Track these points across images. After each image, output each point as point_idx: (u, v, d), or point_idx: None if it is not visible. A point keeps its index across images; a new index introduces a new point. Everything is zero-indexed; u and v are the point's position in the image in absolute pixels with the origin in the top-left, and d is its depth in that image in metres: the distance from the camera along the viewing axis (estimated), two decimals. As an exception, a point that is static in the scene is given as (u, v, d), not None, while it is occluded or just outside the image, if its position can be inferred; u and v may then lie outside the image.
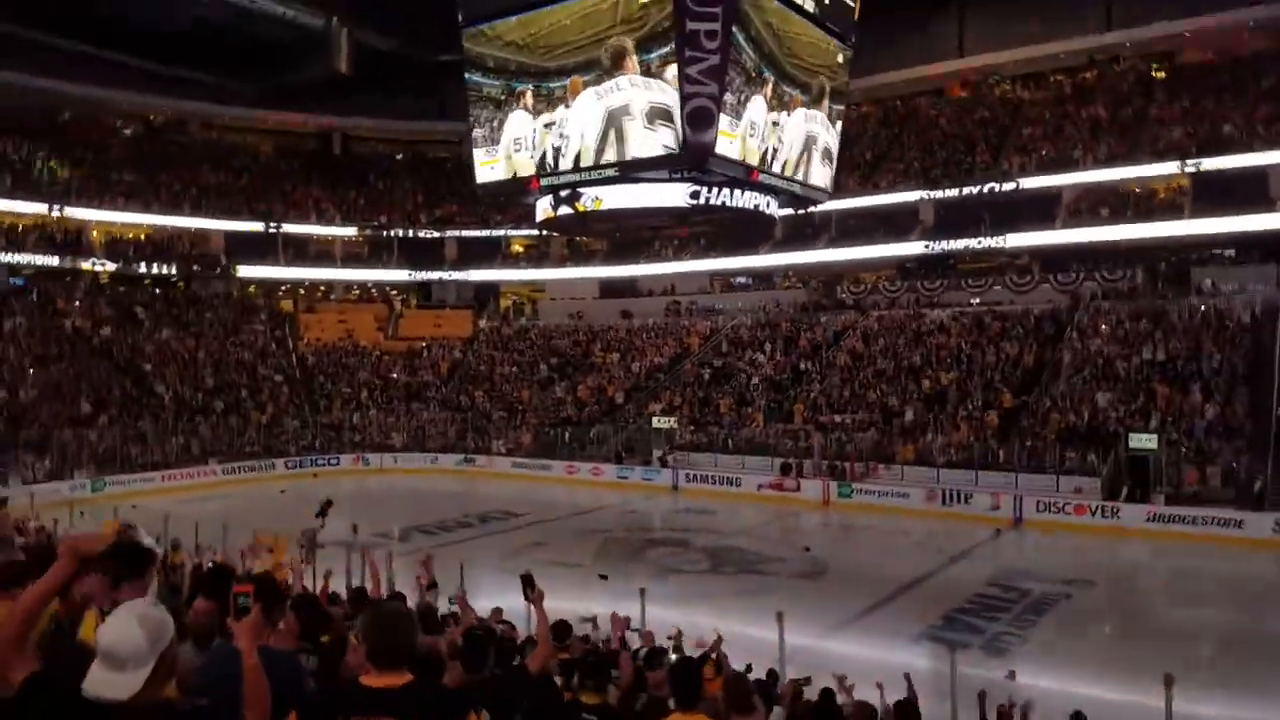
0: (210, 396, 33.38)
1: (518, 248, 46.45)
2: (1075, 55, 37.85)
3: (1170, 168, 30.75)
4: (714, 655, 9.07)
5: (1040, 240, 32.73)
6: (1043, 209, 32.86)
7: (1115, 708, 10.10)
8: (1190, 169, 30.03)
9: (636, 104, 12.43)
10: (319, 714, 2.64)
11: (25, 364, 30.93)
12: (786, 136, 14.22)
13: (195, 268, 40.41)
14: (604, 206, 13.98)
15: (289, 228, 42.69)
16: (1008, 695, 8.72)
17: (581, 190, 13.87)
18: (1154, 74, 36.17)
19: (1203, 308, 27.31)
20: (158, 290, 39.60)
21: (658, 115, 12.34)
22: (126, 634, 2.25)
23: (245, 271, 41.64)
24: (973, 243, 33.62)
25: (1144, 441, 22.08)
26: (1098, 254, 31.89)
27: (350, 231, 44.32)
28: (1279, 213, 28.49)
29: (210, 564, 9.44)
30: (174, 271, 39.79)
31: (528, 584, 4.74)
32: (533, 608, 4.66)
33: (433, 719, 2.59)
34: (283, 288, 44.06)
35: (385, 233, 44.62)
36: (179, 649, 2.51)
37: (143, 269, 38.90)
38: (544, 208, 14.99)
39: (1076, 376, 26.04)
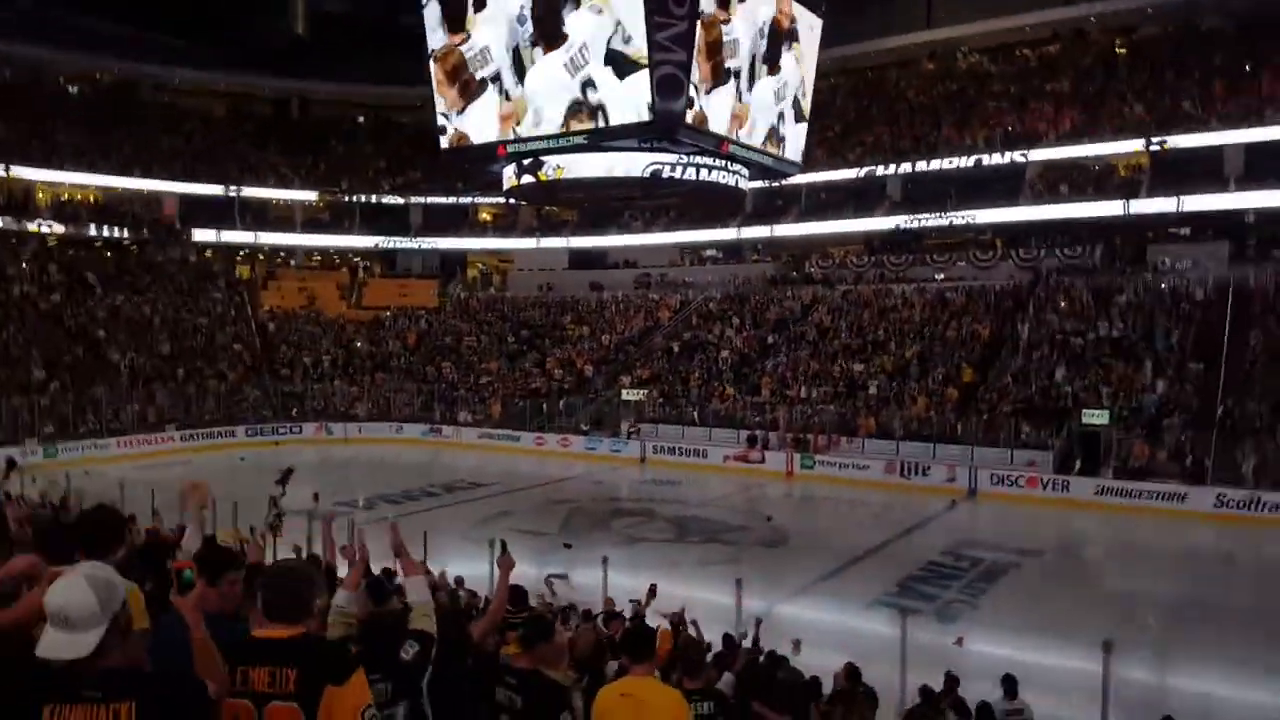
0: (167, 363, 32.89)
1: (485, 216, 46.06)
2: (1041, 29, 38.09)
3: (1132, 145, 31.15)
4: (680, 624, 9.27)
5: (1004, 217, 33.11)
6: (1007, 185, 33.24)
7: (1057, 673, 10.46)
8: (1155, 147, 30.41)
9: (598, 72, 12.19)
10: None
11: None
12: (756, 107, 14.19)
13: (146, 233, 39.47)
14: (566, 175, 13.77)
15: (248, 191, 41.88)
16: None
17: (544, 159, 13.70)
18: (1116, 49, 36.55)
19: (1160, 285, 27.94)
20: (109, 254, 38.74)
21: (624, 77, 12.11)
22: (76, 596, 2.24)
23: (201, 236, 40.77)
24: (938, 218, 33.98)
25: (1096, 417, 22.69)
26: (1058, 230, 32.43)
27: (311, 196, 43.60)
28: (1233, 192, 29.14)
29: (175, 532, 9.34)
30: (126, 235, 38.90)
31: (502, 549, 4.74)
32: (498, 572, 4.65)
33: (314, 670, 2.65)
34: (241, 253, 43.34)
35: (347, 198, 43.93)
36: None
37: (93, 232, 37.98)
38: (510, 176, 14.84)
39: (1034, 352, 26.58)
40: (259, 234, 42.49)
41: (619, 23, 11.70)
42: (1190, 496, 20.28)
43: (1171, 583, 16.65)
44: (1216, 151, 29.78)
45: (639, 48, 11.69)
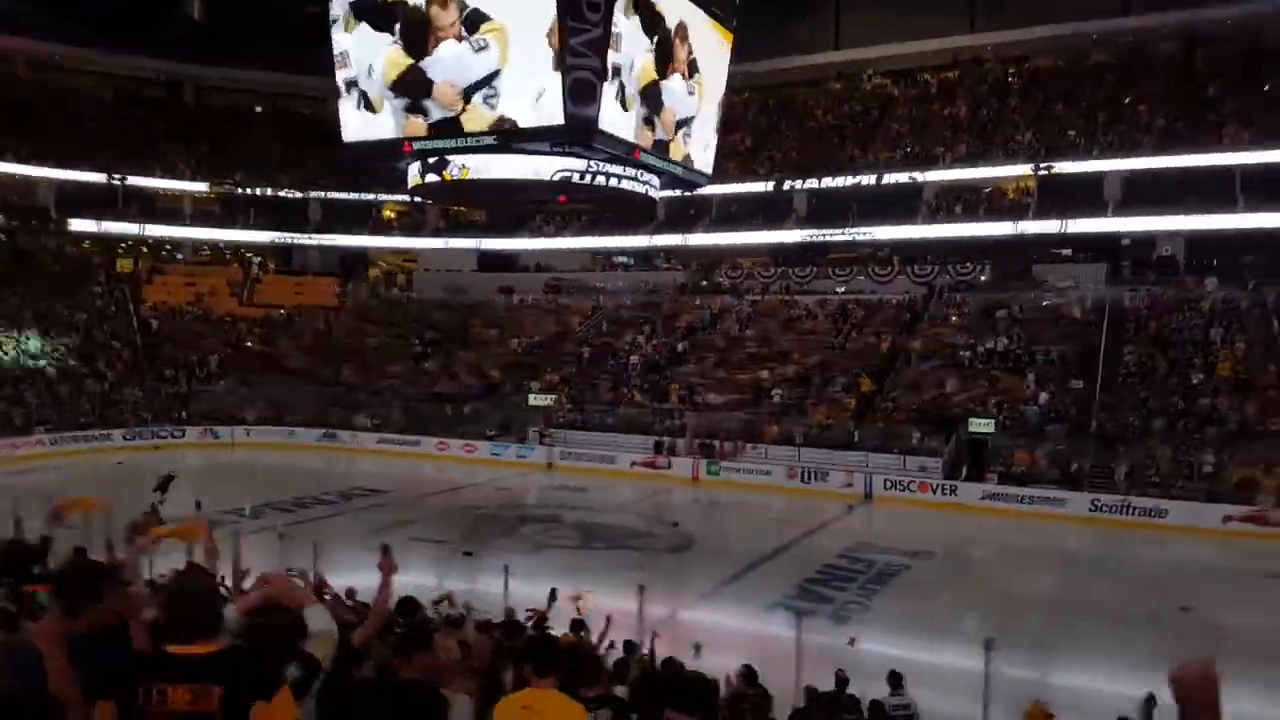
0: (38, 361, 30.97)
1: (390, 214, 44.99)
2: (942, 55, 39.91)
3: (1022, 170, 32.90)
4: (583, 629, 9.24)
5: (902, 234, 34.49)
6: (905, 203, 34.60)
7: (943, 670, 10.89)
8: (1043, 172, 32.17)
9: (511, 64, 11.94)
10: (119, 684, 2.57)
11: None
12: (668, 118, 14.30)
13: (14, 222, 37.03)
14: (472, 176, 13.52)
15: (134, 180, 39.65)
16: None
17: (449, 158, 13.42)
18: (1010, 78, 38.52)
19: (1043, 302, 29.47)
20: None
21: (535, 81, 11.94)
22: None
23: (80, 226, 38.48)
24: (841, 234, 35.07)
25: (982, 425, 23.79)
26: (951, 249, 33.93)
27: (202, 188, 41.64)
28: (1112, 217, 31.09)
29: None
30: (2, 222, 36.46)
31: (384, 551, 4.56)
32: (381, 577, 4.47)
33: (241, 687, 2.57)
34: (123, 245, 40.98)
35: (241, 190, 42.14)
36: None
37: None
38: (415, 173, 14.52)
39: (926, 363, 27.67)
40: (145, 225, 40.29)
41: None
42: (1068, 501, 21.46)
43: (1051, 582, 17.56)
44: (1098, 178, 31.80)
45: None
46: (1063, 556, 19.45)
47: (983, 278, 32.22)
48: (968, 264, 32.89)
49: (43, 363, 31.30)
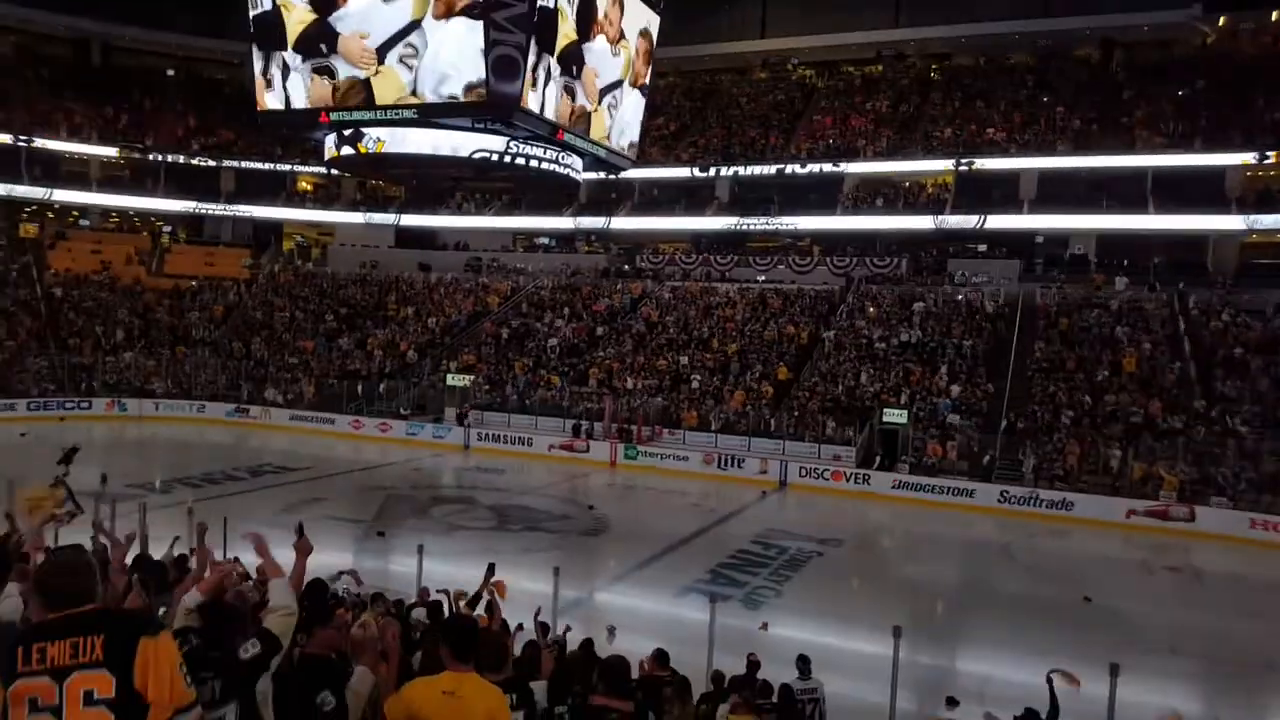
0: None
1: (305, 186, 43.67)
2: (866, 48, 40.54)
3: (942, 164, 33.66)
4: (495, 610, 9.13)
5: (822, 224, 35.04)
6: (826, 194, 35.14)
7: (853, 655, 11.14)
8: (964, 168, 32.94)
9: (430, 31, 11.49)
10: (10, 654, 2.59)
11: None
12: (590, 81, 14.07)
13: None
14: (387, 150, 13.11)
15: (39, 142, 37.57)
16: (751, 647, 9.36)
17: (364, 130, 12.97)
18: (932, 75, 39.39)
19: (958, 296, 30.34)
20: None
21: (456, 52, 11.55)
22: None
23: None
24: (762, 222, 35.44)
25: (895, 416, 24.37)
26: (870, 240, 34.65)
27: (110, 152, 39.70)
28: (1027, 214, 32.14)
29: None
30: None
31: (299, 532, 4.55)
32: (296, 557, 4.48)
33: (123, 630, 2.63)
34: (27, 210, 38.90)
35: (151, 156, 40.33)
36: None
37: None
38: (331, 145, 14.02)
39: (842, 354, 28.21)
40: (50, 190, 38.24)
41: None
42: (977, 492, 22.10)
43: (958, 572, 18.15)
44: (1014, 176, 32.80)
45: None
46: (971, 546, 20.09)
47: (900, 270, 32.99)
48: (886, 257, 33.64)
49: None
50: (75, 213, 40.91)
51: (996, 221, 32.15)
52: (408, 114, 12.66)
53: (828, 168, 34.96)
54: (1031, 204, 32.35)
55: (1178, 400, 23.52)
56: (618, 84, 14.53)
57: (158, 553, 9.75)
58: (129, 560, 6.93)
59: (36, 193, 38.07)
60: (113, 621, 2.68)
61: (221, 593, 4.04)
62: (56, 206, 39.75)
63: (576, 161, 15.17)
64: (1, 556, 3.34)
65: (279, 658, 3.51)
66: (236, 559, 8.84)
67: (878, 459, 24.09)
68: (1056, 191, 31.99)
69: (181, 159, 40.80)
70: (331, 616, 4.27)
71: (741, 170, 36.46)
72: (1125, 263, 31.00)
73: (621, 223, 38.17)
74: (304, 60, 11.95)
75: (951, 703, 7.81)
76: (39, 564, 3.10)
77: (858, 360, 27.67)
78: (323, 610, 4.33)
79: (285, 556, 4.38)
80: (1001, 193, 32.70)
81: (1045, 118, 34.11)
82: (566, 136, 13.97)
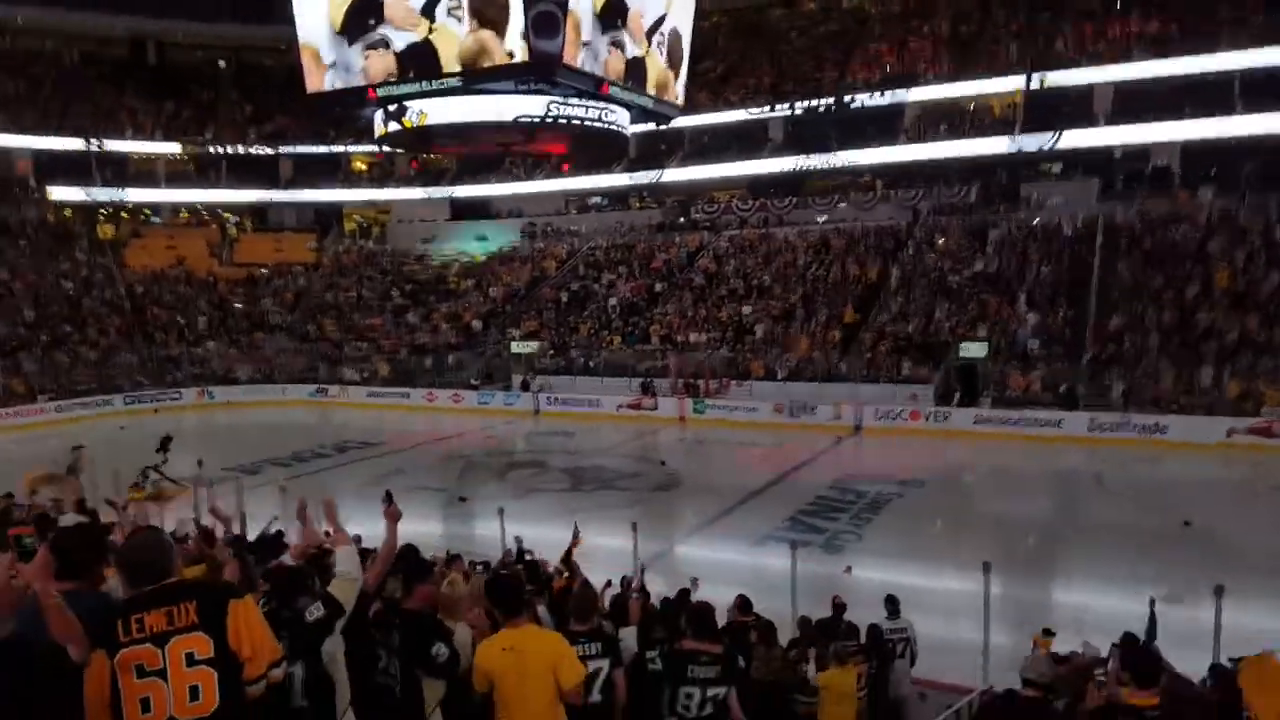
0: (31, 331, 30.75)
1: (360, 166, 44.07)
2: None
3: (1010, 83, 31.80)
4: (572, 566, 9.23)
5: (884, 157, 33.68)
6: (886, 126, 33.79)
7: (940, 595, 10.88)
8: (1034, 84, 31.11)
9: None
10: (104, 630, 2.77)
11: None
12: (636, 23, 13.69)
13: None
14: (430, 122, 13.02)
15: (109, 145, 38.77)
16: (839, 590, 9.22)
17: (407, 104, 12.89)
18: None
19: (1033, 221, 29.05)
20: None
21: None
22: None
23: (60, 195, 37.78)
24: (821, 160, 34.35)
25: (973, 350, 23.62)
26: (936, 170, 33.29)
27: (173, 148, 40.70)
28: (1101, 127, 30.31)
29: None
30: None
31: (387, 499, 4.88)
32: (386, 523, 4.71)
33: (212, 595, 2.90)
34: (103, 211, 40.31)
35: (212, 149, 41.21)
36: None
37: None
38: (380, 122, 14.03)
39: (913, 290, 27.43)
40: (122, 190, 39.56)
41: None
42: (1064, 421, 21.31)
43: (1048, 504, 17.60)
44: (1088, 90, 30.83)
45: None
46: (1060, 477, 19.46)
47: (969, 199, 31.76)
48: (953, 186, 32.40)
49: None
50: (147, 211, 42.12)
51: (1073, 138, 30.20)
52: (450, 83, 12.56)
53: (887, 97, 33.61)
54: (1108, 118, 30.54)
55: (1277, 315, 22.25)
56: (662, 19, 14.06)
57: (255, 530, 10.12)
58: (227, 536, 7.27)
59: (110, 194, 39.32)
60: (201, 589, 2.97)
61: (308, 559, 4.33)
62: (130, 206, 40.99)
63: (623, 115, 14.82)
64: (99, 541, 3.49)
65: (342, 620, 3.69)
66: (328, 532, 9.04)
67: (956, 395, 23.44)
68: (1134, 104, 30.05)
69: (240, 149, 41.57)
70: (430, 573, 4.53)
71: (796, 108, 35.34)
72: (1213, 173, 29.05)
73: (674, 174, 37.51)
74: (353, 41, 11.94)
75: (1048, 633, 7.58)
76: (120, 544, 3.32)
77: (930, 295, 26.86)
78: (421, 568, 4.61)
79: (374, 528, 4.66)
80: (1075, 109, 30.80)
81: (1119, 24, 32.02)
82: (612, 90, 13.68)
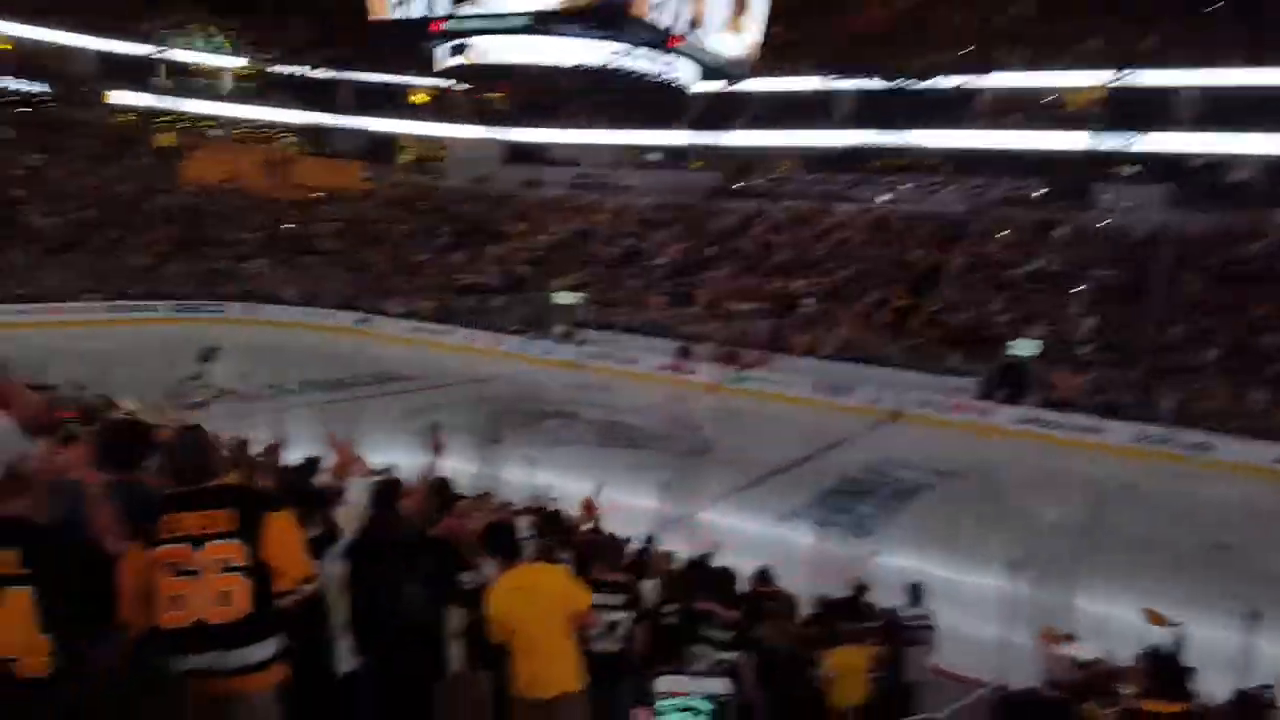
0: (87, 231, 31.12)
1: (419, 99, 43.94)
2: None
3: (1092, 78, 30.72)
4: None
5: (953, 141, 32.85)
6: (958, 109, 32.89)
7: (962, 589, 10.71)
8: (1117, 82, 30.00)
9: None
10: (145, 523, 2.84)
11: None
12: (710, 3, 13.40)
13: (55, 90, 36.72)
14: (491, 60, 12.88)
15: (172, 54, 39.03)
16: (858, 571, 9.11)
17: (468, 42, 12.71)
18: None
19: (1102, 222, 28.13)
20: (24, 110, 36.01)
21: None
22: None
23: (121, 99, 38.12)
24: (887, 137, 33.54)
25: (1024, 348, 23.03)
26: (1005, 160, 32.31)
27: (240, 63, 40.87)
28: (1184, 132, 29.15)
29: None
30: (46, 90, 36.03)
31: (435, 429, 5.11)
32: (433, 452, 5.00)
33: (250, 505, 2.93)
34: (161, 120, 40.66)
35: (275, 69, 41.28)
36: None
37: (9, 84, 35.13)
38: (441, 56, 13.88)
39: (969, 281, 26.79)
40: (182, 100, 39.87)
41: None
42: (1109, 430, 20.74)
43: (1083, 511, 17.17)
44: (1170, 92, 29.68)
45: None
46: (1099, 486, 18.91)
47: (1036, 193, 30.82)
48: (1021, 178, 31.44)
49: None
50: (208, 123, 42.41)
51: (1155, 141, 29.23)
52: (519, 22, 12.35)
53: (962, 79, 32.62)
54: (1190, 124, 29.38)
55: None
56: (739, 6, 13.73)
57: (295, 452, 10.19)
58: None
59: (170, 103, 39.64)
60: (242, 495, 2.98)
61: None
62: (188, 118, 41.26)
63: (687, 72, 14.48)
64: (145, 436, 3.53)
65: (340, 544, 3.76)
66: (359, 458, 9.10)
67: (1002, 391, 22.92)
68: (1219, 110, 28.87)
69: (302, 72, 41.60)
70: (453, 507, 4.65)
71: (865, 82, 34.45)
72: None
73: (735, 137, 36.87)
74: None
75: (1059, 634, 7.45)
76: (166, 442, 3.31)
77: (986, 288, 26.22)
78: (450, 501, 4.87)
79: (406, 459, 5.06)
80: (1152, 111, 29.72)
81: (1210, 27, 30.62)
82: (680, 44, 13.37)
